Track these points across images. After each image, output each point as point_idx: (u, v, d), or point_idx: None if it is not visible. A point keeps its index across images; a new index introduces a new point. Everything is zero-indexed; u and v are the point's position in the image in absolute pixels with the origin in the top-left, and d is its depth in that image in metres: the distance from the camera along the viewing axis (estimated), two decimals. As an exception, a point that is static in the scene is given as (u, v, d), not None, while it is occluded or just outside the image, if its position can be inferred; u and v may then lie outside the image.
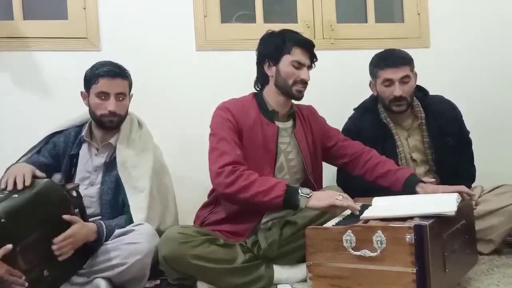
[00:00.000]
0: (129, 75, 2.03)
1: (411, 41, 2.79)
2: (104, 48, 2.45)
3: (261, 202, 1.74)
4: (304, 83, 1.94)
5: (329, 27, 2.70)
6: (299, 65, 1.93)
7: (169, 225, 1.99)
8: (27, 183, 1.64)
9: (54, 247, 1.62)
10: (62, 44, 2.42)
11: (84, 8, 2.44)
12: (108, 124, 1.97)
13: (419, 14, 2.83)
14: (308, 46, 1.96)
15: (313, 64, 2.00)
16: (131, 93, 2.06)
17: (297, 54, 1.93)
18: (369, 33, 2.78)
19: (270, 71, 1.97)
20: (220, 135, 1.87)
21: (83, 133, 2.02)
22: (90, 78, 1.95)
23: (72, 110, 2.16)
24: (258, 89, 2.04)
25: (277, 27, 2.02)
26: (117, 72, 1.95)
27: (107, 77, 1.92)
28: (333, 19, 2.72)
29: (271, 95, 1.99)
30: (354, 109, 2.38)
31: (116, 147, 1.99)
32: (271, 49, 1.95)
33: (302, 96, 1.97)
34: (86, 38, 2.44)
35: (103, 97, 1.94)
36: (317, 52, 1.98)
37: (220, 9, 2.61)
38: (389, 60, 2.18)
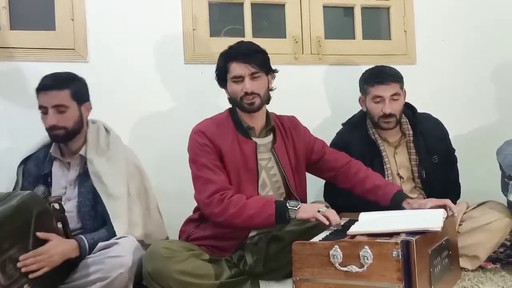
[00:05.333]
0: (71, 84, 1.90)
1: (397, 58, 2.82)
2: (91, 59, 2.43)
3: (255, 224, 1.78)
4: (249, 94, 1.86)
5: (317, 43, 2.72)
6: (238, 78, 1.87)
7: (152, 230, 1.96)
8: None
9: (19, 264, 1.55)
10: (49, 55, 2.39)
11: (72, 20, 2.42)
12: (56, 139, 1.92)
13: (405, 31, 2.87)
14: (242, 56, 1.86)
15: (261, 69, 1.87)
16: (85, 104, 1.96)
17: (233, 69, 1.87)
18: (357, 49, 2.81)
19: (227, 93, 1.95)
20: (200, 162, 1.85)
21: (51, 149, 1.97)
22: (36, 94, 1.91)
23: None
24: None
25: (265, 41, 2.03)
26: (50, 84, 1.87)
27: (42, 90, 1.87)
28: (321, 34, 2.74)
29: (239, 112, 1.96)
30: (342, 124, 2.38)
31: (87, 157, 1.95)
32: (218, 72, 1.94)
33: (256, 107, 1.89)
34: (73, 49, 2.42)
35: (43, 112, 1.89)
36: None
37: (209, 23, 2.61)
38: (380, 77, 2.19)
